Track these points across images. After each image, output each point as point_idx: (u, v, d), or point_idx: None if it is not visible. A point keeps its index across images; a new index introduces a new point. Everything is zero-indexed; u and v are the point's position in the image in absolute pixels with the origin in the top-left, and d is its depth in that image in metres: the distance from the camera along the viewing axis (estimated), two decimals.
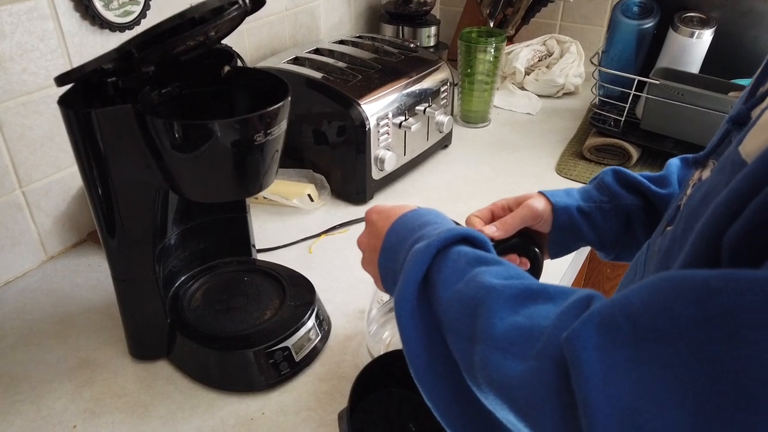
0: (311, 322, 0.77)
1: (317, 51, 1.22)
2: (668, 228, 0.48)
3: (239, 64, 0.73)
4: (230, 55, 0.72)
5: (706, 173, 0.45)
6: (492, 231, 0.64)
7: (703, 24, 1.24)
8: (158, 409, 0.71)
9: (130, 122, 0.60)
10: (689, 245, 0.36)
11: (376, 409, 0.66)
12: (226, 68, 0.71)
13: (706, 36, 1.24)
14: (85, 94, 0.62)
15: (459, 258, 0.46)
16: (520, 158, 1.26)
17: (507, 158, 1.26)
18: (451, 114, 1.24)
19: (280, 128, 0.64)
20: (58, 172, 0.94)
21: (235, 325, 0.75)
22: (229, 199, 0.81)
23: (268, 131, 0.62)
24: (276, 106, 0.61)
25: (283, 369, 0.73)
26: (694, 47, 1.25)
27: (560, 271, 0.93)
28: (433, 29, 1.56)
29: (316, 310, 0.78)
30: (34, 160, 0.90)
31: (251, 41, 1.24)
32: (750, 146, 0.36)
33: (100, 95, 0.62)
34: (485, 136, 1.36)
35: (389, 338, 0.79)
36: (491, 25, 1.53)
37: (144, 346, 0.77)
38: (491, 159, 1.26)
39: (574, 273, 1.01)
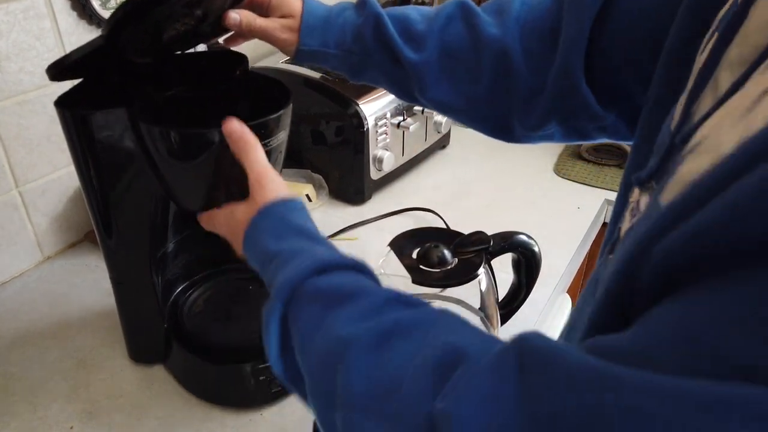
0: None
1: None
2: (610, 257, 0.45)
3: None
4: (240, 57, 0.68)
5: (645, 199, 0.42)
6: (235, 20, 0.62)
7: None
8: (156, 410, 0.71)
9: (127, 126, 0.59)
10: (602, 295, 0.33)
11: None
12: (238, 71, 0.68)
13: None
14: (85, 96, 0.61)
15: (313, 300, 0.41)
16: (518, 158, 1.26)
17: (505, 158, 1.26)
18: None
19: (278, 138, 0.61)
20: (55, 172, 0.93)
21: (233, 336, 0.73)
22: None
23: (267, 142, 0.58)
24: (275, 115, 0.58)
25: (274, 387, 0.70)
26: None
27: (558, 271, 0.93)
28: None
29: None
30: (31, 160, 0.89)
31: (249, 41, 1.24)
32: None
33: (99, 97, 0.60)
34: (483, 137, 1.35)
35: None
36: None
37: (142, 350, 0.76)
38: (489, 159, 1.26)
39: (571, 275, 1.01)
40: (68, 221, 0.98)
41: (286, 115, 0.60)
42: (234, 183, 0.57)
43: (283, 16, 0.63)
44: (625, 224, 0.45)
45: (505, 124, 0.62)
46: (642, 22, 0.51)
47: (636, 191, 0.44)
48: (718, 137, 0.32)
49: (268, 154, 0.60)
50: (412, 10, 0.61)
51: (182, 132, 0.57)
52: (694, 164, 0.33)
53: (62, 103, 0.59)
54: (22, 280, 0.92)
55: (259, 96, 0.69)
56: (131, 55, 0.59)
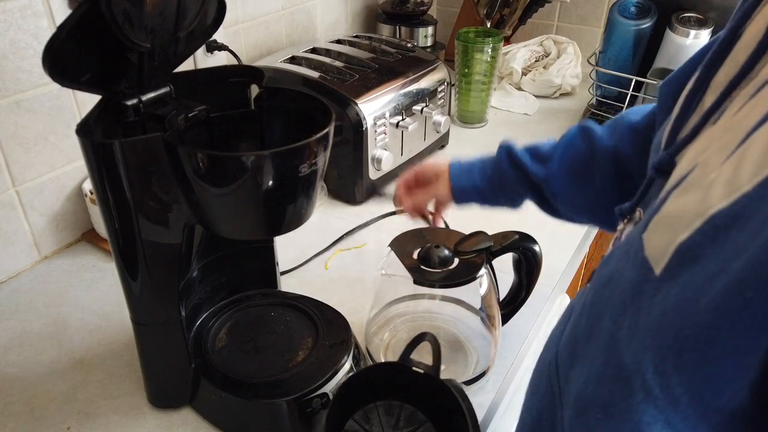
0: (349, 364, 0.69)
1: (314, 50, 1.21)
2: (588, 284, 0.46)
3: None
4: (260, 73, 0.66)
5: (629, 229, 0.42)
6: (406, 206, 0.81)
7: (701, 24, 1.24)
8: (154, 410, 0.70)
9: (157, 153, 0.54)
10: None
11: (368, 424, 0.64)
12: (257, 90, 0.66)
13: (704, 36, 1.24)
14: (105, 123, 0.57)
15: None
16: None
17: None
18: (449, 114, 1.24)
19: (325, 156, 0.59)
20: (52, 171, 0.93)
21: (266, 369, 0.68)
22: (267, 237, 0.75)
23: (314, 161, 0.56)
24: (324, 132, 0.55)
25: (321, 418, 0.66)
26: (691, 48, 1.25)
27: (558, 271, 0.93)
28: (430, 29, 1.55)
29: (353, 349, 0.71)
30: (28, 159, 0.89)
31: (247, 40, 1.23)
32: (654, 243, 0.33)
33: (120, 123, 0.57)
34: (482, 137, 1.36)
35: (389, 339, 0.78)
36: (488, 25, 1.53)
37: (165, 394, 0.71)
38: None
39: (571, 275, 1.01)
40: (65, 221, 0.97)
41: (331, 131, 0.58)
42: (276, 205, 0.55)
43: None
44: (605, 256, 0.45)
45: None
46: None
47: (621, 224, 0.45)
48: (704, 173, 0.31)
49: (314, 174, 0.58)
50: (543, 142, 0.74)
51: (230, 157, 0.53)
52: (681, 202, 0.32)
53: (83, 131, 0.54)
54: (19, 280, 0.91)
55: (286, 111, 0.66)
56: (123, 24, 0.52)
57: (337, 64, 1.13)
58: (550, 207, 0.72)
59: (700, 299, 0.27)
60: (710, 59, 0.37)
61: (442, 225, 0.84)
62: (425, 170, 0.79)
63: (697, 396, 0.29)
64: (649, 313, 0.31)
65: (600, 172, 0.64)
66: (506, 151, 0.72)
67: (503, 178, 0.72)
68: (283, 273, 0.90)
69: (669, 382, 0.30)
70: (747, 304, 0.25)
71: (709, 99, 0.36)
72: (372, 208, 1.09)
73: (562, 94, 1.55)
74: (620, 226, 0.45)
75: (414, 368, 0.62)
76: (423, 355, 0.63)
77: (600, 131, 0.67)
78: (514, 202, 0.75)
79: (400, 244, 0.72)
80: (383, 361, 0.74)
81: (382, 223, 1.05)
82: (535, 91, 1.53)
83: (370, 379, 0.64)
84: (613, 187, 0.64)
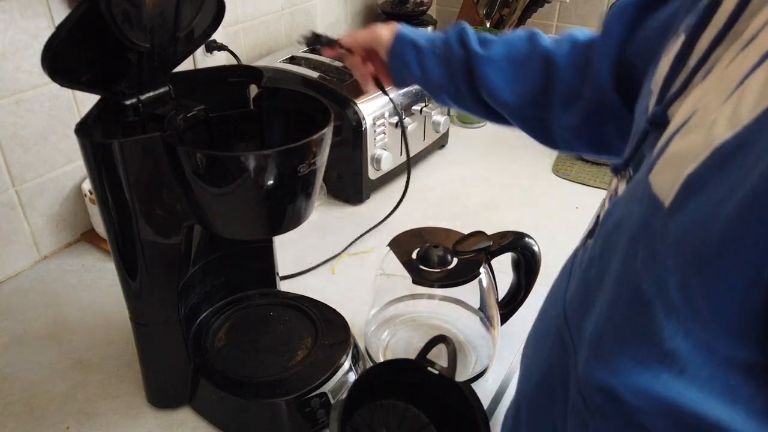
0: (348, 364, 0.69)
1: (313, 50, 1.21)
2: (589, 241, 0.48)
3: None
4: (259, 73, 0.67)
5: (623, 185, 0.44)
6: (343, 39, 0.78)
7: None
8: (154, 410, 0.70)
9: (157, 153, 0.54)
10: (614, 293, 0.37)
11: (371, 423, 0.64)
12: (257, 90, 0.66)
13: None
14: (105, 122, 0.57)
15: None
16: (516, 158, 1.26)
17: (503, 158, 1.26)
18: (448, 114, 1.24)
19: (323, 156, 0.59)
20: (52, 171, 0.93)
21: (266, 369, 0.68)
22: (266, 236, 0.76)
23: (313, 161, 0.56)
24: (323, 132, 0.56)
25: (320, 417, 0.66)
26: None
27: (557, 270, 0.93)
28: (429, 29, 1.55)
29: (352, 349, 0.71)
30: (27, 159, 0.89)
31: (247, 40, 1.23)
32: (661, 181, 0.35)
33: (120, 123, 0.57)
34: (482, 136, 1.36)
35: (388, 338, 0.78)
36: (488, 25, 1.53)
37: (165, 394, 0.71)
38: (488, 159, 1.26)
39: None
40: (65, 221, 0.97)
41: (330, 131, 0.59)
42: (276, 205, 0.55)
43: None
44: (604, 211, 0.47)
45: (544, 126, 0.69)
46: (657, 42, 0.53)
47: (614, 180, 0.47)
48: (705, 115, 0.34)
49: (313, 174, 0.58)
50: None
51: (229, 157, 0.54)
52: (685, 142, 0.34)
53: (82, 131, 0.54)
54: (19, 280, 0.91)
55: (286, 111, 0.66)
56: (122, 24, 0.52)
57: (337, 64, 1.13)
58: (475, 98, 0.72)
59: (711, 222, 0.30)
60: (695, 24, 0.39)
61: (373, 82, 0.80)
62: (376, 25, 0.78)
63: (715, 302, 0.31)
64: (665, 240, 0.33)
65: (534, 73, 0.67)
66: (459, 27, 0.73)
67: (445, 48, 0.72)
68: (283, 278, 0.90)
69: (691, 294, 0.32)
70: (756, 221, 0.27)
71: (693, 60, 0.39)
72: (372, 207, 1.09)
73: None
74: (614, 183, 0.47)
75: (429, 368, 0.62)
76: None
77: (545, 38, 0.69)
78: (440, 81, 0.73)
79: (399, 244, 0.72)
80: (389, 359, 0.74)
81: (383, 225, 1.05)
82: None
83: (380, 376, 0.64)
84: (540, 94, 0.67)
